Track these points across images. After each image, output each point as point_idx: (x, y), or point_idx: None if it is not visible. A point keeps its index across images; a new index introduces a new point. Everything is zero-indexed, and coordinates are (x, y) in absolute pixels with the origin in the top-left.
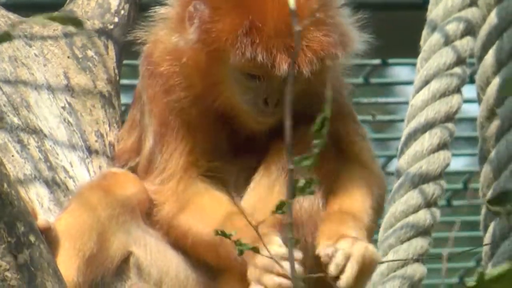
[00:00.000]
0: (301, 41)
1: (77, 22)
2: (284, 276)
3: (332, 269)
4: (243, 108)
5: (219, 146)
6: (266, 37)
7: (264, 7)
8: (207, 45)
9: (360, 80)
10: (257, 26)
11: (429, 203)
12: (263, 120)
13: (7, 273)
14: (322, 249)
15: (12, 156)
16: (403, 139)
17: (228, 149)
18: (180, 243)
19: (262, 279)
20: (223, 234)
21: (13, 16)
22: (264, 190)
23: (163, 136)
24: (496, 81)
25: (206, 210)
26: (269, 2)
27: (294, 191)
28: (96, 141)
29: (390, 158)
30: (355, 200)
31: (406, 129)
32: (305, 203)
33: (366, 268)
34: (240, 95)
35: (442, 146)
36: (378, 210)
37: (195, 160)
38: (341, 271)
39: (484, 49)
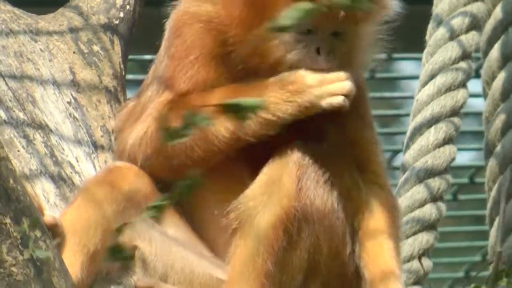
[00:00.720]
0: None
1: None
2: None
3: None
4: (292, 60)
5: None
6: None
7: None
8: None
9: (365, 74)
10: None
11: (435, 198)
12: (317, 68)
13: (13, 268)
14: None
15: (18, 151)
16: (408, 133)
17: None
18: (189, 151)
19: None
20: None
21: (18, 11)
22: (270, 180)
23: (167, 87)
24: (501, 76)
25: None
26: None
27: None
28: (101, 136)
29: (395, 152)
30: (386, 241)
31: (411, 124)
32: (316, 201)
33: None
34: (291, 47)
35: (447, 140)
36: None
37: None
38: None
39: (490, 43)
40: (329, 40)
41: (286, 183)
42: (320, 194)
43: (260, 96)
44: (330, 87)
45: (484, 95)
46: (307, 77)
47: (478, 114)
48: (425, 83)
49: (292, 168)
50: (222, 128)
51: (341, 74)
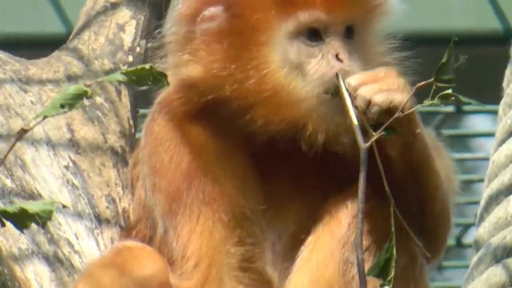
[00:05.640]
0: None
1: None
2: None
3: None
4: (309, 89)
5: (249, 192)
6: None
7: None
8: (246, 20)
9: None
10: None
11: None
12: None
13: None
14: None
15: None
16: (482, 203)
17: (261, 194)
18: None
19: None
20: None
21: (4, 55)
22: (316, 271)
23: (174, 215)
24: None
25: None
26: None
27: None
28: (107, 207)
29: (466, 227)
30: None
31: (486, 191)
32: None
33: None
34: (302, 65)
35: None
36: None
37: (220, 242)
38: None
39: None
40: (344, 43)
41: (332, 272)
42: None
43: None
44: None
45: None
46: None
47: None
48: (502, 141)
49: (340, 246)
50: None
51: None
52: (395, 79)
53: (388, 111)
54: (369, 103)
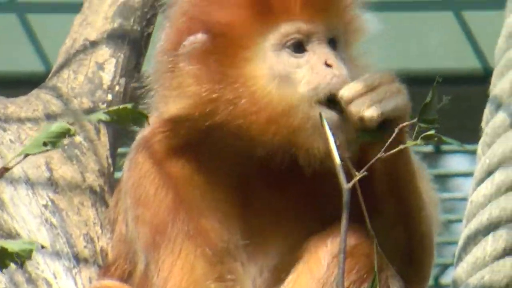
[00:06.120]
0: None
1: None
2: None
3: None
4: (304, 101)
5: (233, 227)
6: None
7: None
8: (228, 38)
9: None
10: None
11: None
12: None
13: None
14: None
15: None
16: (461, 243)
17: (243, 228)
18: None
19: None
20: None
21: None
22: None
23: (157, 248)
24: None
25: None
26: None
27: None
28: (85, 246)
29: (444, 267)
30: None
31: (464, 231)
32: None
33: None
34: (290, 75)
35: (509, 251)
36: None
37: (202, 277)
38: None
39: None
40: (329, 49)
41: None
42: None
43: None
44: None
45: None
46: None
47: None
48: (481, 181)
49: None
50: None
51: None
52: (390, 85)
53: (386, 119)
54: (362, 118)
